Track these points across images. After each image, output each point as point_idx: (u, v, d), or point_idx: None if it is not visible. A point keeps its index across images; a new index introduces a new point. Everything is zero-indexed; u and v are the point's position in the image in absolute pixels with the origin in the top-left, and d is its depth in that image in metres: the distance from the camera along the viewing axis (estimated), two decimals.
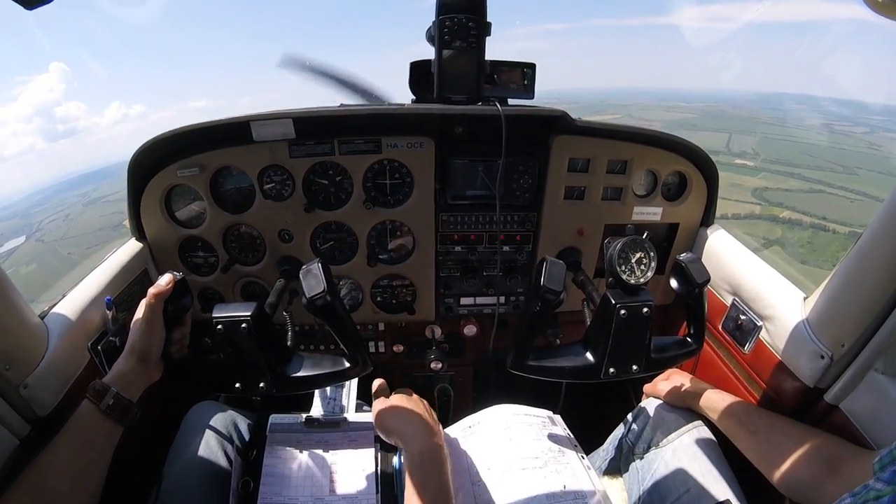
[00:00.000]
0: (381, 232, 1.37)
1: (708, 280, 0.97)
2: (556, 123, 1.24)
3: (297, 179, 1.28)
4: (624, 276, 0.97)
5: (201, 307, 1.41)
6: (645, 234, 1.01)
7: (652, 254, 0.99)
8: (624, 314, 0.94)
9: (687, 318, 1.05)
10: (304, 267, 0.86)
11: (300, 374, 0.91)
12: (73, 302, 1.08)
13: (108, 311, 1.11)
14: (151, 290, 0.91)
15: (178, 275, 0.95)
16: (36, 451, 0.90)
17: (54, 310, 1.06)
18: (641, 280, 0.98)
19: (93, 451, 0.84)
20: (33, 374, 0.91)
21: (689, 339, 1.05)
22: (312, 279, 0.84)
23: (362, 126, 1.25)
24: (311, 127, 1.22)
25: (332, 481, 1.05)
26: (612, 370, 0.97)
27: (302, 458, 1.09)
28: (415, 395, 1.02)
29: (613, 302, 0.94)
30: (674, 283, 1.00)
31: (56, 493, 0.79)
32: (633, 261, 0.99)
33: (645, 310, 0.95)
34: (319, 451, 1.10)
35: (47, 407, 0.94)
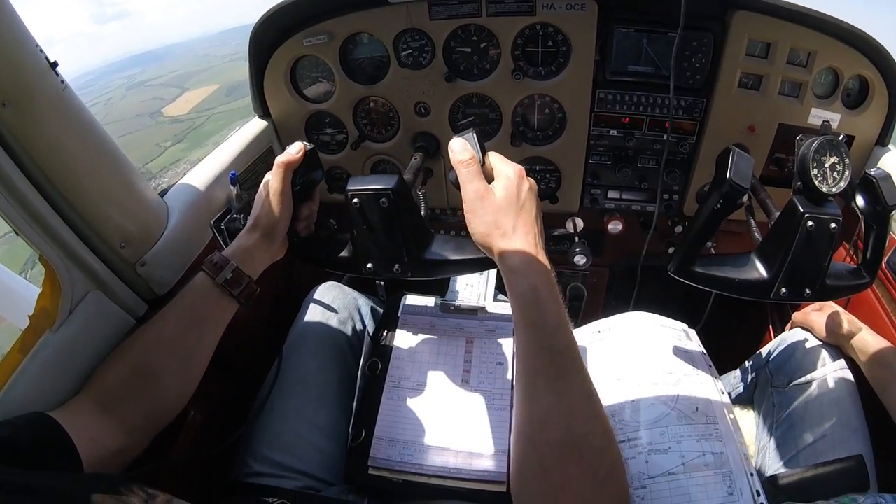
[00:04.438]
0: (529, 108, 1.24)
1: None
2: None
3: (437, 45, 1.16)
4: (816, 182, 0.84)
5: (328, 188, 1.37)
6: (841, 136, 0.85)
7: (847, 160, 0.86)
8: (811, 226, 0.82)
9: (865, 245, 0.91)
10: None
11: (440, 257, 0.79)
12: (194, 179, 1.05)
13: (232, 187, 1.08)
14: (279, 159, 0.80)
15: (310, 145, 0.84)
16: None
17: (175, 187, 1.03)
18: (833, 189, 0.85)
19: (203, 327, 0.78)
20: (151, 252, 0.89)
21: (861, 270, 0.91)
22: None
23: None
24: None
25: (465, 371, 1.00)
26: (783, 290, 0.86)
27: (435, 343, 1.05)
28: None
29: (801, 210, 0.82)
30: (860, 199, 0.87)
31: (157, 368, 0.74)
32: (827, 165, 0.85)
33: (833, 225, 0.83)
34: (454, 339, 1.05)
35: (165, 285, 0.92)
